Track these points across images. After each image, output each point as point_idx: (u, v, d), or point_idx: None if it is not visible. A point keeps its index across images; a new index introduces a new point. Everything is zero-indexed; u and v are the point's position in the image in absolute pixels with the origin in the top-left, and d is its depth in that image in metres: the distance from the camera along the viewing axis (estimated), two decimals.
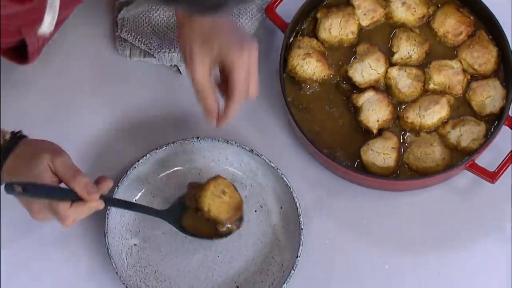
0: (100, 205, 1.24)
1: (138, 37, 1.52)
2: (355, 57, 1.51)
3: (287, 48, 1.50)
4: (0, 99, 1.50)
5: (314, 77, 1.49)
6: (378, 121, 1.46)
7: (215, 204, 1.36)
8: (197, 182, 1.42)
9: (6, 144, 1.25)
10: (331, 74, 1.50)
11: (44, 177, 1.22)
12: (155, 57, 1.53)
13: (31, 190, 1.20)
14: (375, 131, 1.45)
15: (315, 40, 1.51)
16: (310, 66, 1.48)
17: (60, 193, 1.23)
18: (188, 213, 1.39)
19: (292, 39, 1.52)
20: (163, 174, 1.48)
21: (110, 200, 1.36)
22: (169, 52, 1.52)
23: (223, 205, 1.36)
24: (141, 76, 1.55)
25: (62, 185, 1.24)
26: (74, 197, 1.22)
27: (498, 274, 1.44)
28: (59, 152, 1.25)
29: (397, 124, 1.47)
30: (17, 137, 1.26)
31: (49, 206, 1.22)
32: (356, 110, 1.48)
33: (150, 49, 1.52)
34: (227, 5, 0.90)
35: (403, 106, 1.48)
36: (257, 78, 1.32)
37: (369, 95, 1.46)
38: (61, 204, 1.21)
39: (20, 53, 1.39)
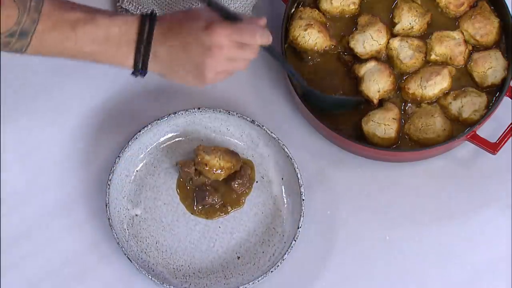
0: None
1: (139, 8, 1.52)
2: (357, 28, 1.50)
3: (289, 19, 1.50)
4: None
5: (315, 48, 1.48)
6: (379, 91, 1.45)
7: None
8: (207, 146, 1.44)
9: (146, 17, 1.23)
10: (332, 45, 1.50)
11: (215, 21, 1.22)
12: None
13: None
14: (375, 101, 1.45)
15: (317, 10, 1.50)
16: (311, 37, 1.47)
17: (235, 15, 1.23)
18: None
19: (293, 10, 1.51)
20: (164, 145, 1.48)
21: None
22: None
23: None
24: None
25: None
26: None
27: (499, 244, 1.45)
28: (212, 21, 1.22)
29: (398, 95, 1.47)
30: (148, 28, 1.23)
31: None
32: (357, 81, 1.47)
33: None
34: None
35: (404, 77, 1.48)
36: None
37: (370, 65, 1.46)
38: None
39: None
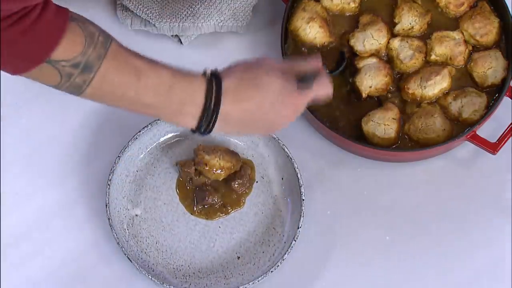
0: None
1: (139, 6, 1.52)
2: (357, 27, 1.50)
3: (289, 19, 1.50)
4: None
5: (314, 42, 1.48)
6: (370, 87, 1.46)
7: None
8: (207, 146, 1.45)
9: (209, 77, 1.19)
10: (331, 42, 1.50)
11: (287, 84, 1.21)
12: (156, 27, 1.52)
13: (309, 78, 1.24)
14: (364, 95, 1.45)
15: (320, 5, 1.50)
16: (312, 31, 1.47)
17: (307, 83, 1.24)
18: None
19: (296, 3, 1.51)
20: (164, 145, 1.48)
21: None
22: (170, 22, 1.52)
23: None
24: (142, 46, 1.53)
25: None
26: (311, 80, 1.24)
27: (499, 244, 1.45)
28: (264, 59, 1.22)
29: (398, 95, 1.47)
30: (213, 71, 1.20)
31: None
32: (355, 74, 1.47)
33: (151, 19, 1.52)
34: None
35: (404, 77, 1.48)
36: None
37: (371, 60, 1.46)
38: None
39: None
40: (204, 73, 1.19)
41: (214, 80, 1.18)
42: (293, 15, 1.49)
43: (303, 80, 1.24)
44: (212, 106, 1.17)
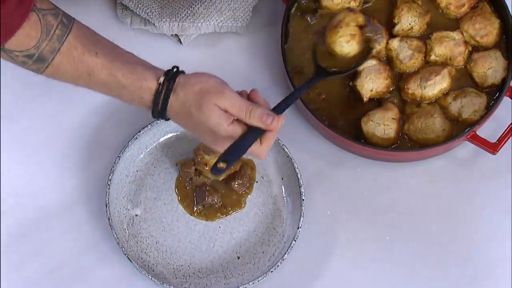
0: (282, 121, 1.23)
1: (139, 5, 1.52)
2: None
3: (289, 19, 1.50)
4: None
5: (345, 54, 1.48)
6: (371, 90, 1.46)
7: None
8: (207, 146, 1.42)
9: (162, 87, 1.21)
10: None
11: (222, 126, 1.20)
12: (155, 26, 1.53)
13: (231, 160, 1.22)
14: (365, 99, 1.45)
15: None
16: (349, 47, 1.41)
17: (248, 141, 1.22)
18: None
19: (293, 9, 1.51)
20: (164, 145, 1.48)
21: (279, 109, 1.26)
22: (170, 22, 1.52)
23: None
24: (142, 45, 1.55)
25: None
26: (259, 133, 1.22)
27: (499, 244, 1.45)
28: (222, 90, 1.21)
29: (398, 95, 1.47)
30: (172, 76, 1.22)
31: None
32: (355, 75, 1.47)
33: (151, 18, 1.52)
34: None
35: (404, 77, 1.48)
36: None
37: (371, 63, 1.46)
38: (253, 146, 1.22)
39: None
40: (166, 72, 1.22)
41: (164, 90, 1.21)
42: (335, 27, 1.35)
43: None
44: (159, 110, 1.22)
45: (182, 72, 1.24)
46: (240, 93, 1.24)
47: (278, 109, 1.25)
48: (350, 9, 1.36)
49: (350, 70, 1.35)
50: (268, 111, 1.21)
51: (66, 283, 1.43)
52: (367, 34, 1.35)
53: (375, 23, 1.43)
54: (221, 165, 1.23)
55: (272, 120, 1.20)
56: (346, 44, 1.33)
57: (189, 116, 1.21)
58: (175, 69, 1.23)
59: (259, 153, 1.23)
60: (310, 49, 1.37)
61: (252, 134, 1.22)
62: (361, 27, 1.34)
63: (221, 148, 1.23)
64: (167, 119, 1.24)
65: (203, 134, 1.22)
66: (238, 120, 1.21)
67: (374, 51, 1.40)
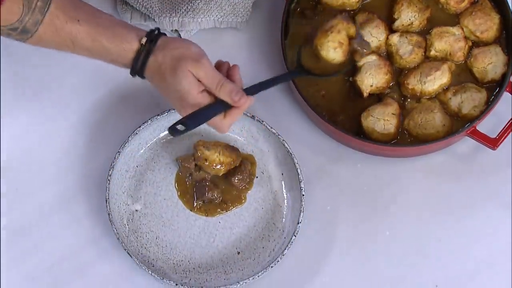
0: (250, 102, 1.26)
1: (139, 0, 1.52)
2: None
3: (289, 15, 1.50)
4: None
5: (331, 62, 1.48)
6: (371, 86, 1.46)
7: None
8: (207, 141, 1.45)
9: (143, 48, 1.25)
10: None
11: (191, 93, 1.23)
12: (155, 21, 1.53)
13: (190, 124, 1.25)
14: (365, 94, 1.45)
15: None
16: (334, 54, 1.42)
17: (213, 111, 1.25)
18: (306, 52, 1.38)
19: (293, 5, 1.51)
20: (164, 140, 1.48)
21: (251, 90, 1.29)
22: (169, 17, 1.52)
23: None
24: None
25: None
26: (225, 108, 1.25)
27: (499, 239, 1.45)
28: (199, 59, 1.24)
29: (398, 90, 1.47)
30: (154, 38, 1.26)
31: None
32: (355, 71, 1.47)
33: (151, 13, 1.52)
34: None
35: (404, 73, 1.48)
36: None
37: (371, 58, 1.46)
38: (216, 118, 1.25)
39: None
40: (148, 34, 1.26)
41: (144, 51, 1.25)
42: (324, 32, 1.36)
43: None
44: (137, 70, 1.26)
45: (164, 34, 1.27)
46: (221, 64, 1.29)
47: (250, 90, 1.28)
48: (345, 17, 1.36)
49: (327, 75, 1.37)
50: (238, 89, 1.25)
51: (66, 278, 1.43)
52: (355, 46, 1.36)
53: (364, 38, 1.43)
54: (179, 127, 1.26)
55: (240, 97, 1.24)
56: (332, 50, 1.35)
57: (163, 78, 1.25)
58: (156, 31, 1.26)
59: (221, 125, 1.27)
60: (296, 49, 1.39)
61: (218, 106, 1.25)
62: (351, 38, 1.36)
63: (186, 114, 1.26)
64: (143, 78, 1.28)
65: (173, 98, 1.26)
66: (209, 92, 1.25)
67: (357, 63, 1.44)
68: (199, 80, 1.23)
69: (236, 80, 1.27)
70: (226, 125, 1.27)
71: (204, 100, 1.24)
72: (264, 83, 1.31)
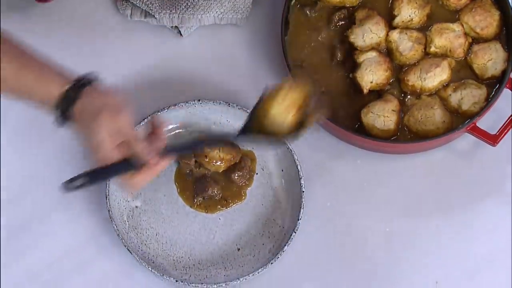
0: (164, 164, 1.22)
1: None
2: (355, 23, 1.50)
3: (289, 11, 1.50)
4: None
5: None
6: (371, 82, 1.46)
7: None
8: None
9: (66, 95, 1.20)
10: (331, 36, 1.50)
11: (103, 146, 1.18)
12: (155, 18, 1.53)
13: (93, 181, 1.20)
14: (365, 90, 1.46)
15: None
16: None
17: (122, 168, 1.20)
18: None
19: (293, 1, 1.51)
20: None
21: (174, 149, 1.25)
22: (170, 13, 1.52)
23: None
24: (142, 37, 1.55)
25: None
26: (136, 166, 1.20)
27: (499, 236, 1.45)
28: (118, 112, 1.20)
29: (398, 86, 1.47)
30: (80, 86, 1.21)
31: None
32: (355, 67, 1.47)
33: (151, 10, 1.52)
34: None
35: (404, 69, 1.48)
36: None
37: (371, 54, 1.46)
38: (127, 176, 1.20)
39: None
40: (76, 81, 1.21)
41: (64, 102, 1.20)
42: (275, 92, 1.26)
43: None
44: (59, 117, 1.21)
45: (93, 80, 1.22)
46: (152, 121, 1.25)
47: (172, 149, 1.23)
48: (299, 83, 1.25)
49: (276, 142, 1.27)
50: (152, 149, 1.20)
51: (66, 275, 1.43)
52: (309, 111, 1.24)
53: (320, 98, 1.33)
54: (79, 182, 1.20)
55: (153, 159, 1.20)
56: (283, 112, 1.24)
57: (83, 126, 1.20)
58: (82, 80, 1.21)
59: (131, 183, 1.21)
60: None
61: (128, 164, 1.19)
62: (305, 100, 1.24)
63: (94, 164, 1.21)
64: (66, 122, 1.22)
65: (89, 145, 1.20)
66: (124, 145, 1.20)
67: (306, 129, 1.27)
68: (114, 134, 1.18)
69: (159, 135, 1.23)
70: (137, 184, 1.21)
71: (114, 156, 1.19)
72: (188, 146, 1.29)
